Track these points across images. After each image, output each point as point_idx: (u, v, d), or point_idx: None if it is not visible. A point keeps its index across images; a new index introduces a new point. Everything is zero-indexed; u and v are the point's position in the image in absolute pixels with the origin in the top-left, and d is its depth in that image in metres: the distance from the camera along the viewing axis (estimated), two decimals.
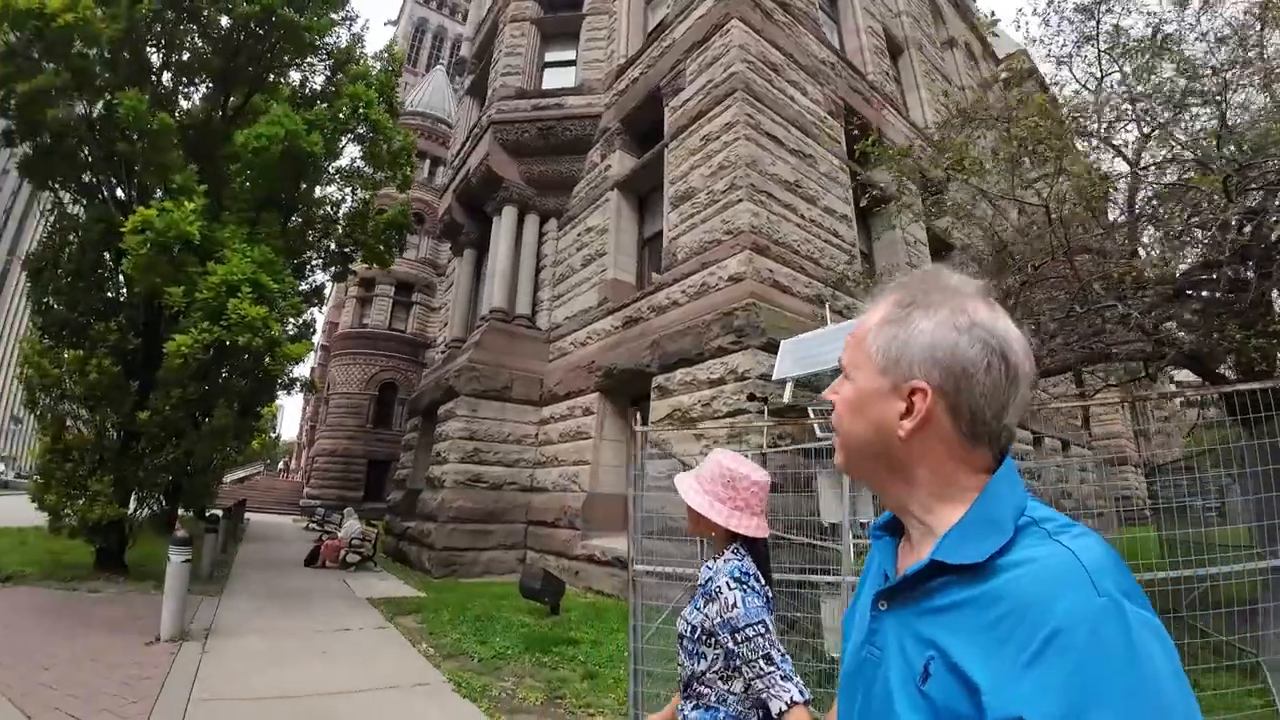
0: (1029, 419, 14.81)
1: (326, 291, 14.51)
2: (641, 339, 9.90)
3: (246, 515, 21.36)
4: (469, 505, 11.04)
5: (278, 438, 44.71)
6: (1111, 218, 7.84)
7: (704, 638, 1.71)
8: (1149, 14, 7.47)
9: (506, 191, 13.75)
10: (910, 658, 0.75)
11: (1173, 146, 6.95)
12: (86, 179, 9.08)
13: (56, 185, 9.08)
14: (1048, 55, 8.17)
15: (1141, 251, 7.47)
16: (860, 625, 0.87)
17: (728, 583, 1.67)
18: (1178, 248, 7.17)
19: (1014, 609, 0.66)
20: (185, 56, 9.82)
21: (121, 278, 8.78)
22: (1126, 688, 0.60)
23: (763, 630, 1.62)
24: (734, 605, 1.64)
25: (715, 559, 1.80)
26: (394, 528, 13.87)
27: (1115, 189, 7.58)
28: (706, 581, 1.76)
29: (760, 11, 11.21)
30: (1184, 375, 10.41)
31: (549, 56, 15.73)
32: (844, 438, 0.86)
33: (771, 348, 7.97)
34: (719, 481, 1.83)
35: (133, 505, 8.51)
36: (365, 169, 10.38)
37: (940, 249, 14.60)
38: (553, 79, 15.41)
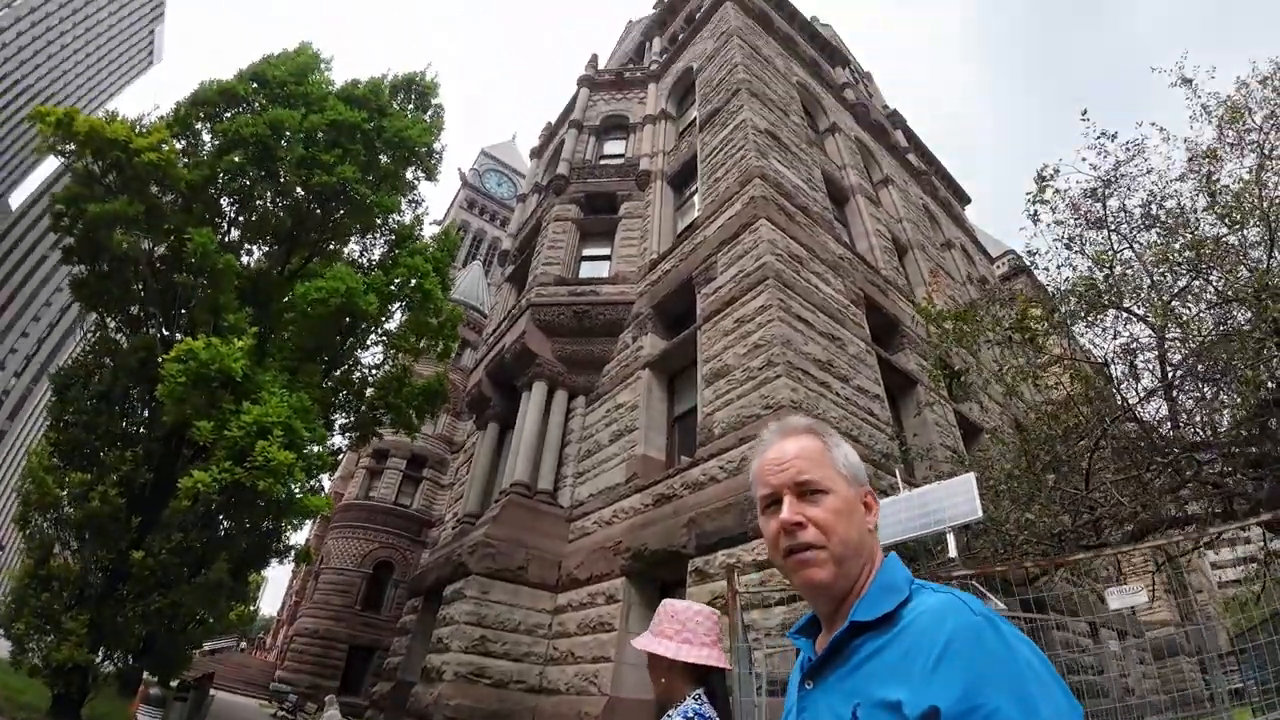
0: (1080, 607, 13.60)
1: (340, 457, 14.27)
2: (675, 518, 9.35)
3: (212, 692, 19.01)
4: (468, 704, 9.66)
5: (256, 611, 41.42)
6: (1143, 385, 7.81)
7: None
8: (1149, 193, 8.02)
9: (539, 367, 14.04)
10: (839, 713, 0.91)
11: (1201, 306, 7.21)
12: (135, 311, 9.33)
13: (103, 310, 9.30)
14: (1058, 238, 8.51)
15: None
16: None
17: None
18: (1216, 407, 7.21)
19: (917, 639, 0.87)
20: (254, 216, 10.62)
21: (147, 411, 8.63)
22: (1009, 671, 0.81)
23: None
24: None
25: (674, 709, 1.72)
26: None
27: (1134, 361, 7.69)
28: None
29: (784, 214, 12.28)
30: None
31: (586, 251, 17.07)
32: (843, 544, 1.01)
33: None
34: (664, 621, 1.83)
35: (100, 656, 7.55)
36: (410, 337, 10.70)
37: (969, 430, 14.45)
38: (588, 270, 16.56)
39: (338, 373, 11.26)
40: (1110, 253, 7.78)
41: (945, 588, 0.95)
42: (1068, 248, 8.18)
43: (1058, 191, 8.48)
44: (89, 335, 10.02)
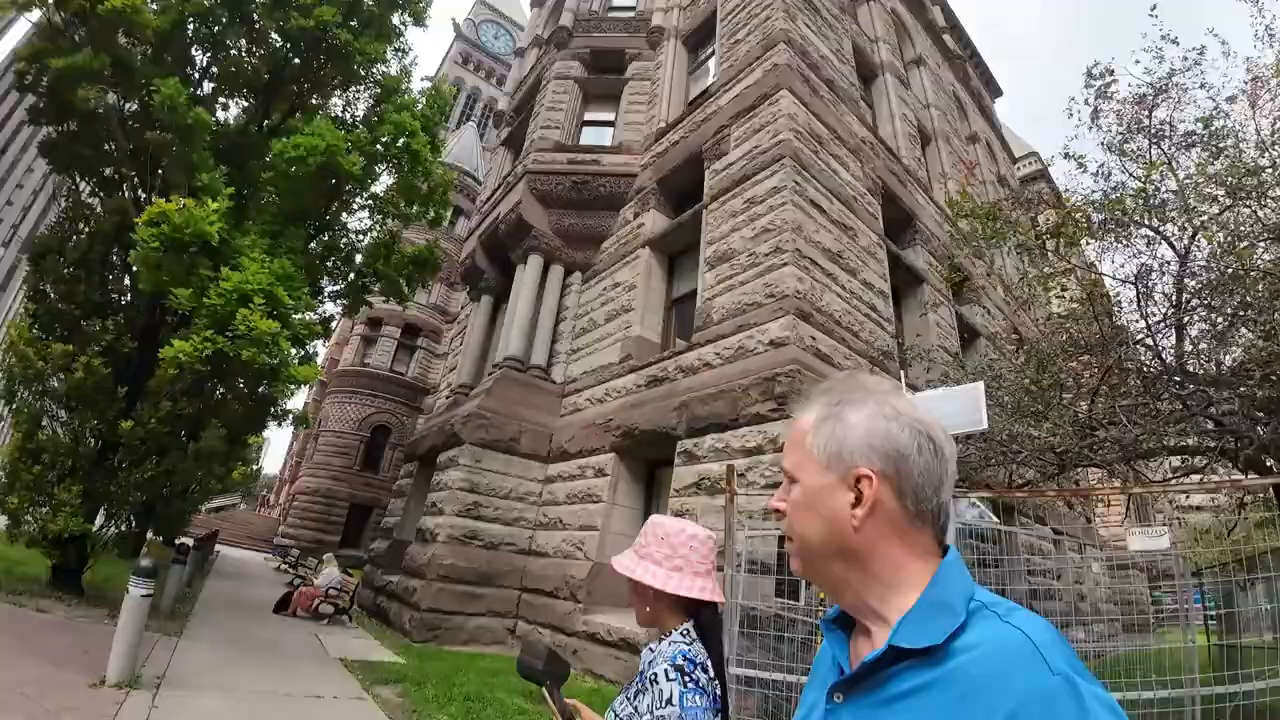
0: (1047, 514, 14.24)
1: (334, 325, 14.03)
2: (667, 400, 9.33)
3: (217, 548, 20.15)
4: (461, 564, 10.15)
5: (259, 470, 43.24)
6: (1155, 310, 7.60)
7: None
8: (1199, 108, 7.44)
9: (535, 240, 13.50)
10: None
11: (1228, 235, 6.89)
12: (109, 173, 8.71)
13: (76, 174, 8.70)
14: (1101, 143, 7.99)
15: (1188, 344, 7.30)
16: None
17: (666, 671, 1.39)
18: (1226, 340, 7.08)
19: (972, 689, 0.69)
20: (229, 68, 9.65)
21: (127, 277, 8.25)
22: None
23: None
24: (669, 701, 1.35)
25: (659, 641, 1.52)
26: (374, 580, 12.83)
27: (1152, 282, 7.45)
28: (645, 667, 1.48)
29: (808, 85, 11.27)
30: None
31: (588, 115, 15.89)
32: (799, 541, 0.87)
33: None
34: (652, 543, 1.58)
35: (99, 521, 7.69)
36: (398, 202, 10.06)
37: (968, 334, 14.36)
38: (590, 136, 15.50)
39: (324, 238, 10.71)
40: (1157, 166, 7.22)
41: (1013, 608, 0.76)
42: (1121, 154, 7.58)
43: (1106, 96, 7.82)
44: (63, 201, 9.38)
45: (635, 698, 1.44)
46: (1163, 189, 7.33)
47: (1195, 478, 8.08)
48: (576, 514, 10.23)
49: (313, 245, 10.01)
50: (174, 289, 6.41)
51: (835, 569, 0.84)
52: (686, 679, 1.36)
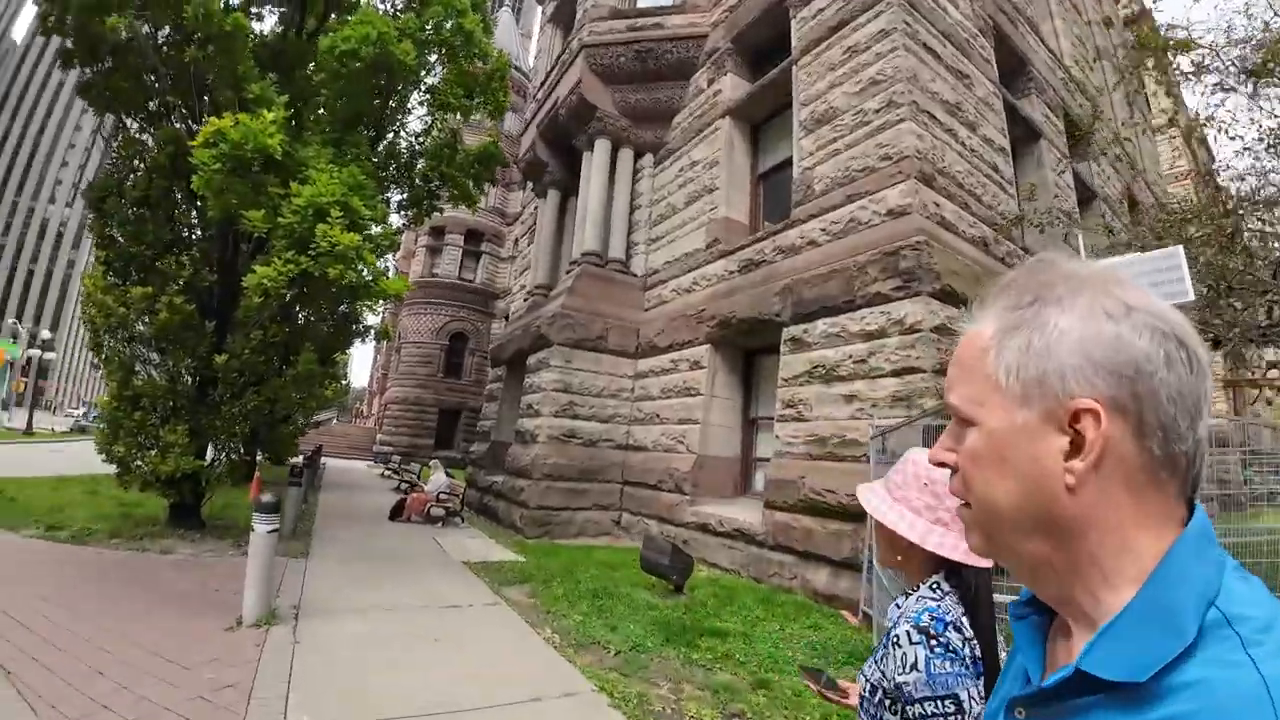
0: None
1: (399, 238, 13.68)
2: (767, 285, 8.64)
3: (323, 461, 21.49)
4: (563, 462, 10.21)
5: (349, 385, 45.70)
6: None
7: (885, 702, 1.21)
8: None
9: (600, 123, 12.48)
10: None
11: None
12: (154, 106, 8.22)
13: (120, 112, 8.27)
14: None
15: None
16: None
17: (909, 632, 1.17)
18: None
19: None
20: None
21: (194, 211, 7.95)
22: None
23: (949, 710, 1.09)
24: (912, 666, 1.13)
25: (905, 596, 1.32)
26: (478, 481, 13.29)
27: None
28: (890, 625, 1.27)
29: None
30: None
31: None
32: (981, 508, 0.61)
33: (947, 295, 6.63)
34: (913, 486, 1.34)
35: (210, 456, 7.83)
36: (456, 90, 9.23)
37: (1084, 195, 12.73)
38: None
39: (384, 143, 10.10)
40: None
41: (1268, 627, 0.49)
42: None
43: None
44: (113, 143, 8.98)
45: (882, 660, 1.23)
46: None
47: None
48: (673, 408, 9.98)
49: (375, 154, 9.46)
50: (244, 212, 6.04)
51: (1034, 547, 0.59)
52: (934, 642, 1.15)
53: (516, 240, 29.10)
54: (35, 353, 29.17)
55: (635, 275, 12.05)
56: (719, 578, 7.77)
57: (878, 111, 7.91)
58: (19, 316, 63.78)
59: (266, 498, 4.91)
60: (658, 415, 10.32)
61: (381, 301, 9.21)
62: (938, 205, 7.50)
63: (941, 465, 0.65)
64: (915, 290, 6.61)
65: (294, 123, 7.13)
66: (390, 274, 14.34)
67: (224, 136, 5.63)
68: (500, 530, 10.78)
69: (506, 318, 27.89)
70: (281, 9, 9.81)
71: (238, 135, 5.64)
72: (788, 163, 10.02)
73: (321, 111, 7.93)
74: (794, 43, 9.73)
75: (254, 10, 9.60)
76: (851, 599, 6.38)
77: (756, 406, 9.72)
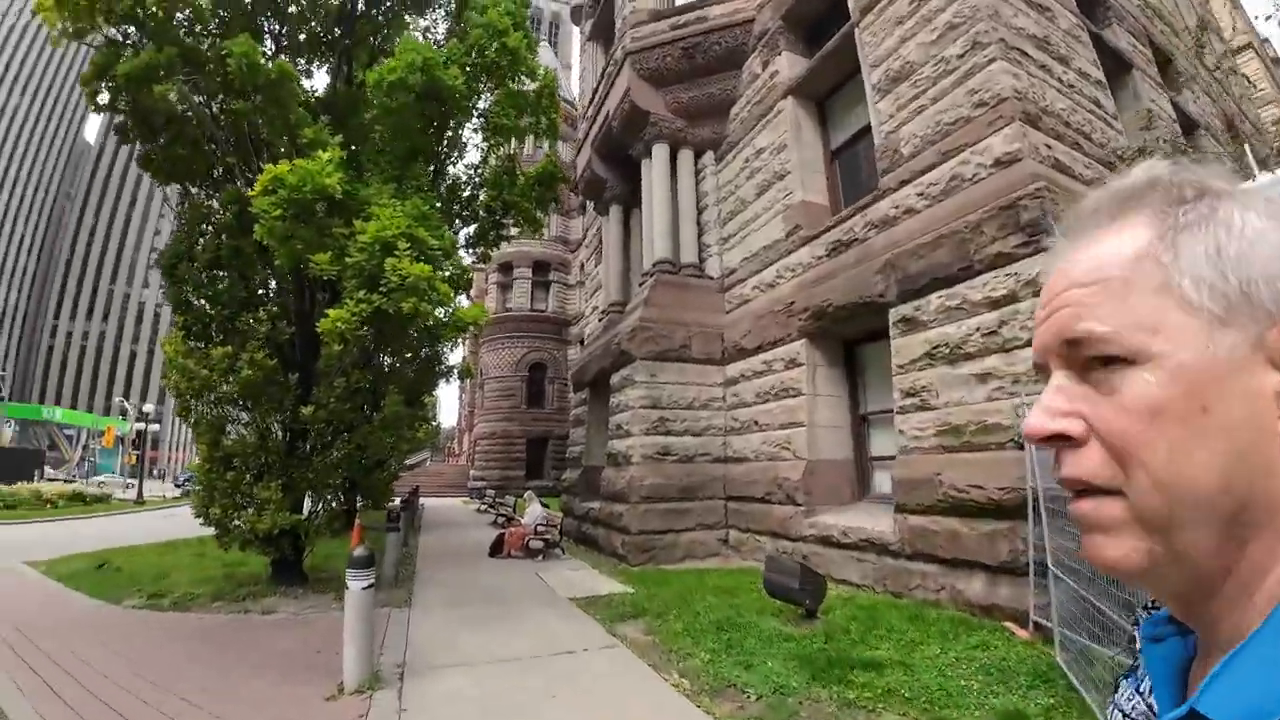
0: None
1: (469, 277, 13.59)
2: (863, 264, 7.84)
3: (420, 501, 21.89)
4: (660, 482, 9.66)
5: (439, 426, 47.16)
6: None
7: None
8: None
9: (654, 127, 12.05)
10: None
11: None
12: (217, 173, 8.39)
13: (182, 181, 8.46)
14: None
15: None
16: None
17: None
18: None
19: None
20: (299, 25, 8.99)
21: (266, 265, 7.98)
22: None
23: None
24: None
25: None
26: (573, 509, 12.94)
27: None
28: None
29: None
30: None
31: None
32: (1169, 494, 0.40)
33: None
34: None
35: (306, 508, 7.74)
36: (509, 113, 9.02)
37: (1185, 125, 11.16)
38: None
39: (444, 183, 10.06)
40: None
41: None
42: None
43: None
44: (175, 208, 9.26)
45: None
46: None
47: None
48: (772, 412, 9.25)
49: (437, 187, 9.39)
50: (311, 257, 5.90)
51: (1211, 543, 0.41)
52: None
53: (582, 265, 29.25)
54: (141, 426, 31.62)
55: (711, 278, 11.45)
56: (852, 595, 6.95)
57: (961, 56, 7.03)
58: (125, 395, 69.85)
59: (359, 551, 4.55)
60: (755, 422, 9.62)
61: (461, 337, 8.95)
62: (1049, 147, 6.53)
63: (1054, 439, 0.44)
64: (1043, 244, 5.68)
65: (353, 168, 7.03)
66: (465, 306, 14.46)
67: (281, 182, 5.51)
68: (602, 559, 10.32)
69: (581, 342, 27.95)
70: (328, 62, 9.99)
71: (295, 179, 5.51)
72: (864, 132, 9.23)
73: (378, 145, 7.82)
74: (851, 5, 8.97)
75: (300, 64, 9.83)
76: (1016, 609, 5.47)
77: (865, 401, 8.85)
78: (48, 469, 38.51)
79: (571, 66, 46.39)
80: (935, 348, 6.63)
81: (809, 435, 8.49)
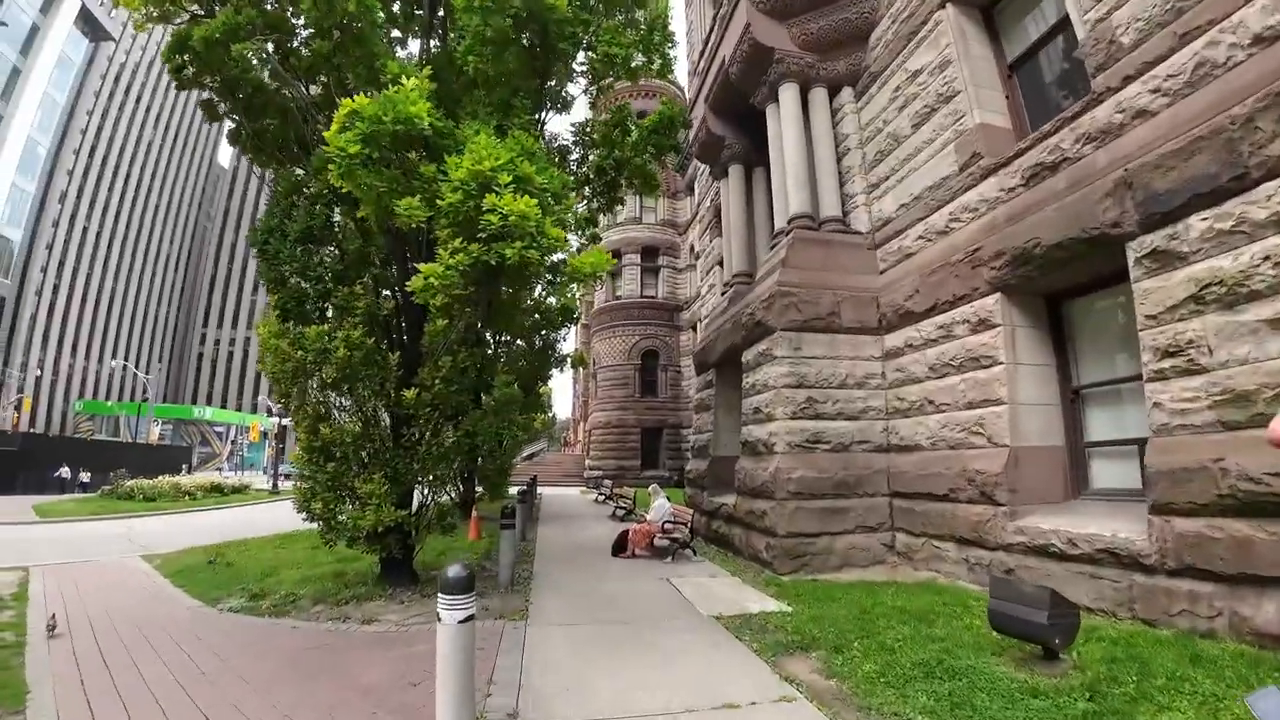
0: None
1: (592, 230, 12.45)
2: (1080, 188, 5.93)
3: (539, 491, 21.59)
4: (811, 475, 8.18)
5: (554, 416, 47.75)
6: None
7: None
8: None
9: (780, 65, 10.45)
10: None
11: None
12: (296, 151, 7.79)
13: (272, 157, 7.92)
14: None
15: None
16: None
17: None
18: None
19: None
20: None
21: (361, 233, 7.25)
22: None
23: None
24: None
25: None
26: (703, 504, 11.68)
27: None
28: None
29: None
30: None
31: None
32: None
33: None
34: None
35: (416, 501, 6.98)
36: (616, 44, 7.80)
37: None
38: None
39: (552, 137, 9.04)
40: None
41: None
42: None
43: None
44: (269, 185, 8.81)
45: None
46: None
47: None
48: (955, 389, 7.49)
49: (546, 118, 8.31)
50: (396, 203, 4.98)
51: None
52: None
53: (692, 247, 27.93)
54: (277, 420, 34.29)
55: (859, 233, 9.73)
56: (1090, 625, 5.17)
57: None
58: (269, 394, 76.50)
59: (454, 571, 3.40)
60: (930, 401, 7.88)
61: (571, 325, 7.80)
62: None
63: None
64: None
65: (446, 114, 6.10)
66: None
67: (359, 115, 4.62)
68: (742, 564, 9.00)
69: (694, 328, 26.67)
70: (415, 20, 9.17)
71: (375, 109, 4.60)
72: (1053, 32, 7.29)
73: (474, 91, 6.87)
74: None
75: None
76: None
77: (1078, 372, 6.90)
78: (196, 463, 42.81)
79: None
80: (1204, 288, 4.70)
81: (1010, 415, 6.68)
